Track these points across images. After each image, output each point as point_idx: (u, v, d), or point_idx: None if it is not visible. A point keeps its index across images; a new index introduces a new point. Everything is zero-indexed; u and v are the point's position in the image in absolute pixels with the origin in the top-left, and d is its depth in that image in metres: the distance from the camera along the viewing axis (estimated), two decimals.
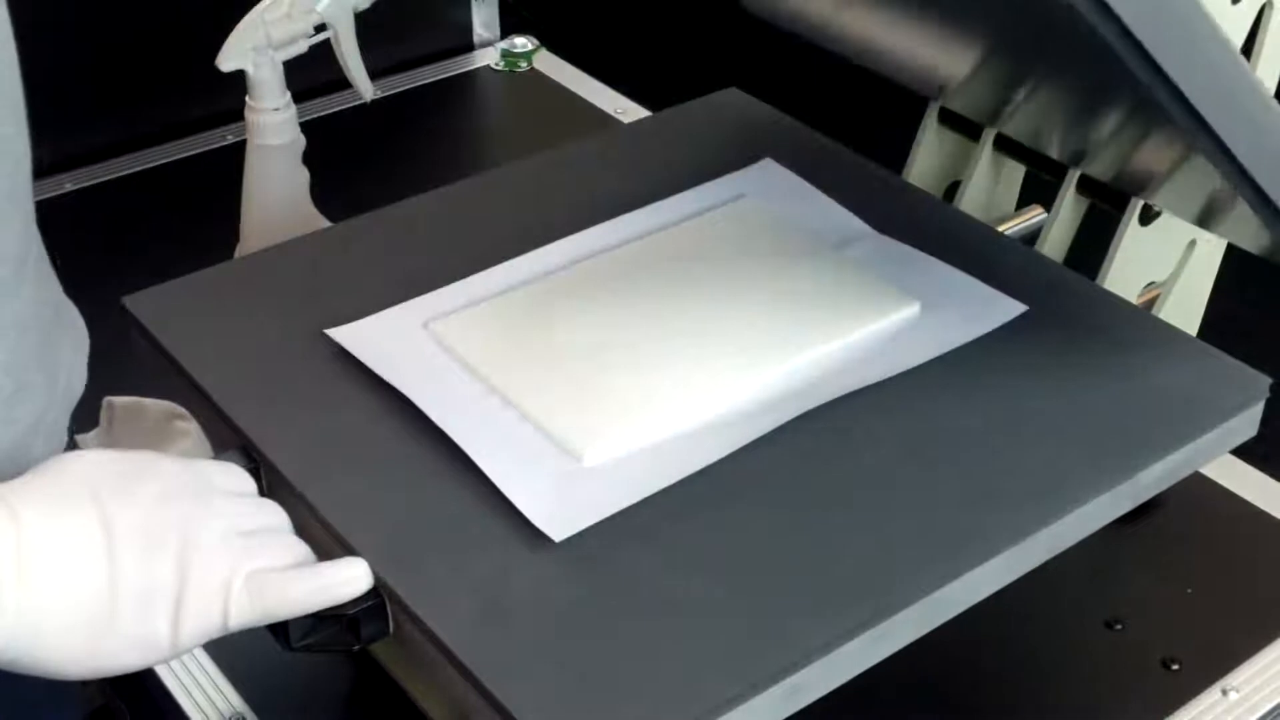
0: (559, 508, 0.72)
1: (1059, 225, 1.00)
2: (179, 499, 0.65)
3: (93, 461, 0.64)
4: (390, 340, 0.82)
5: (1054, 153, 0.97)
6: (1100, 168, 0.92)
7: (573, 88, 1.43)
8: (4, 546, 0.59)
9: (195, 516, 0.65)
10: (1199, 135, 0.71)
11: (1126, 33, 0.65)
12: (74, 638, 0.61)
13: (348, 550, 0.71)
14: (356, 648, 0.70)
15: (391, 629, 0.70)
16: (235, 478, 0.70)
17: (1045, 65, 0.82)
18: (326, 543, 0.73)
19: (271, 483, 0.77)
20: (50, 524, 0.61)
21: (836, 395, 0.78)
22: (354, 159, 1.32)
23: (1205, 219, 0.89)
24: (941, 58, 0.93)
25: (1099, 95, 0.80)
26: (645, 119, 1.20)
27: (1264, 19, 0.90)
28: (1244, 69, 0.71)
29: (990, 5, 0.79)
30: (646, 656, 0.66)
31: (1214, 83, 0.69)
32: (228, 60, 1.02)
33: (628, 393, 0.78)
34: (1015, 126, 0.97)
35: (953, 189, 1.09)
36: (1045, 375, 0.80)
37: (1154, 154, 0.85)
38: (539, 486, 0.73)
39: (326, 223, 1.09)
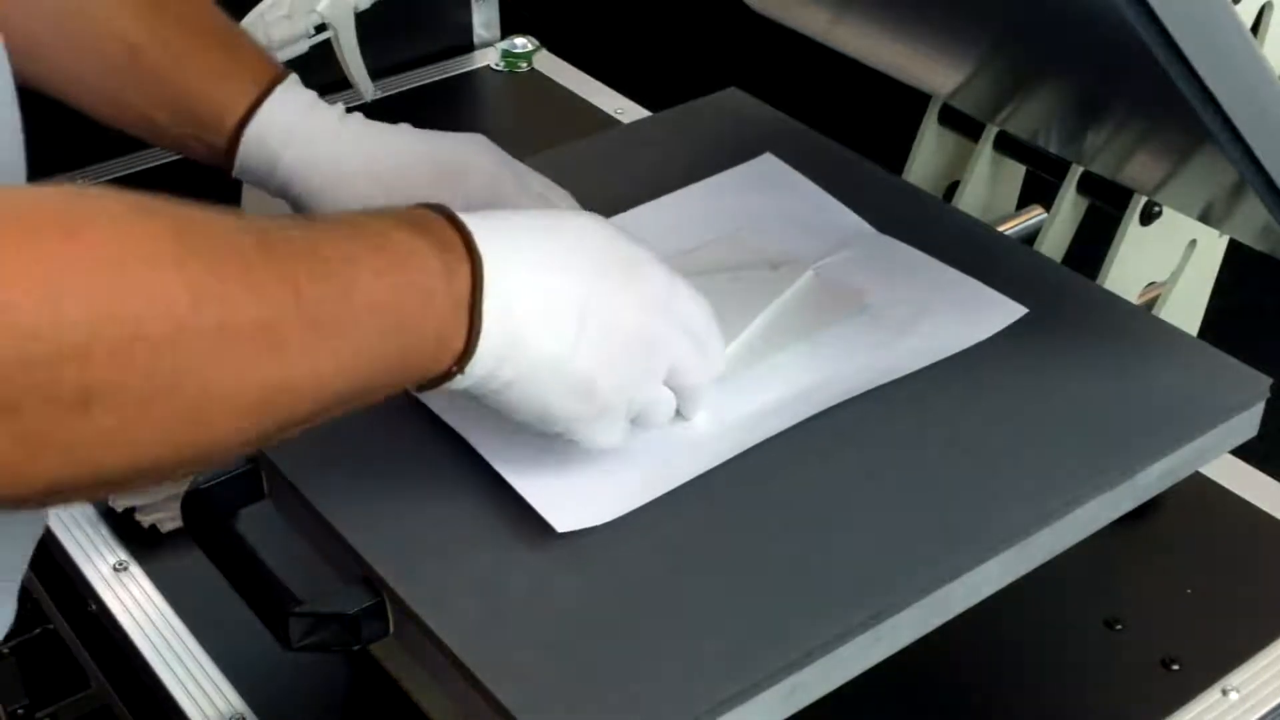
0: (564, 499, 0.72)
1: (1059, 225, 1.00)
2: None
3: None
4: None
5: (1059, 149, 0.97)
6: (1106, 164, 0.92)
7: (573, 88, 1.43)
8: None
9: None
10: (1215, 124, 0.70)
11: (1150, 15, 0.64)
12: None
13: (347, 550, 0.71)
14: (356, 648, 0.70)
15: (391, 629, 0.70)
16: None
17: (1059, 53, 0.82)
18: (326, 542, 0.73)
19: (271, 483, 0.77)
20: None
21: (839, 399, 0.78)
22: None
23: (1209, 215, 0.89)
24: (953, 51, 0.93)
25: (1113, 85, 0.80)
26: (645, 119, 1.20)
27: (1264, 19, 0.90)
28: (1260, 56, 0.70)
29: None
30: (646, 656, 0.66)
31: (1231, 69, 0.68)
32: None
33: None
34: (1020, 123, 0.97)
35: (953, 189, 1.08)
36: (1045, 375, 0.80)
37: (1163, 148, 0.85)
38: (545, 478, 0.73)
39: None
